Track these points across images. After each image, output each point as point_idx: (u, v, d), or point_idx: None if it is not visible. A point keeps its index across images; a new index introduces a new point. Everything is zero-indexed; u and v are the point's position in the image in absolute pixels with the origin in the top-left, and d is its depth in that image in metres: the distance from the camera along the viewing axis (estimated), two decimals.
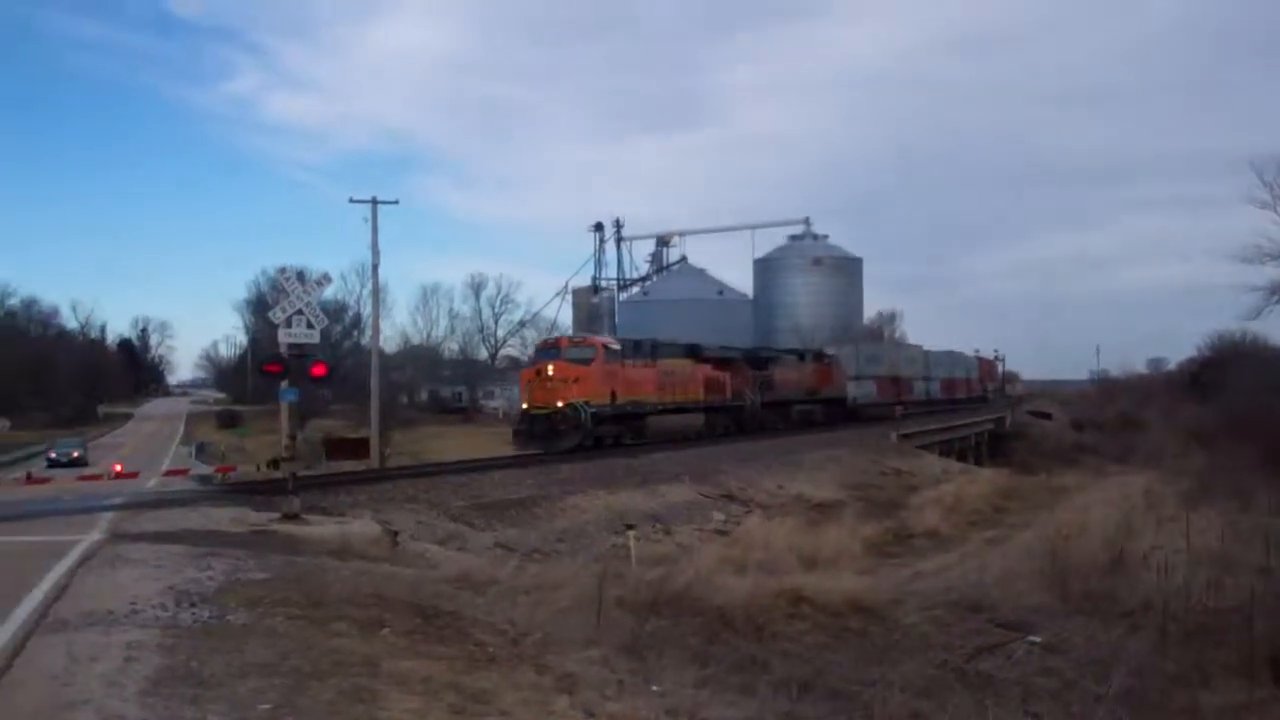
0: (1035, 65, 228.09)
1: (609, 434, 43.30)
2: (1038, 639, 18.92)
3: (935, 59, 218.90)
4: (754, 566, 22.82)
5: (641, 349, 47.77)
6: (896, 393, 78.99)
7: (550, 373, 41.26)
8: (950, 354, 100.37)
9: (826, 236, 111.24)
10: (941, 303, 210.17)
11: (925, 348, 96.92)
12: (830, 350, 74.18)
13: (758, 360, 60.15)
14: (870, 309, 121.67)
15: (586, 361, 41.82)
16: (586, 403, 40.63)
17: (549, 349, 44.82)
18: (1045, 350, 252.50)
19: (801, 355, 68.72)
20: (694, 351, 52.75)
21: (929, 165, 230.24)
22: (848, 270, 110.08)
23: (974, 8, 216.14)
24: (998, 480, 47.17)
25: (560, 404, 40.55)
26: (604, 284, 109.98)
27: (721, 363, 54.15)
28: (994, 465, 62.86)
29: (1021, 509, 38.02)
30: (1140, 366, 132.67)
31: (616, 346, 44.90)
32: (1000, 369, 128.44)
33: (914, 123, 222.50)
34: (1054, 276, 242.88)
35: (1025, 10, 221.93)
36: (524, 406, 42.66)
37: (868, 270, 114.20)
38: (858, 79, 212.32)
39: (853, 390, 72.61)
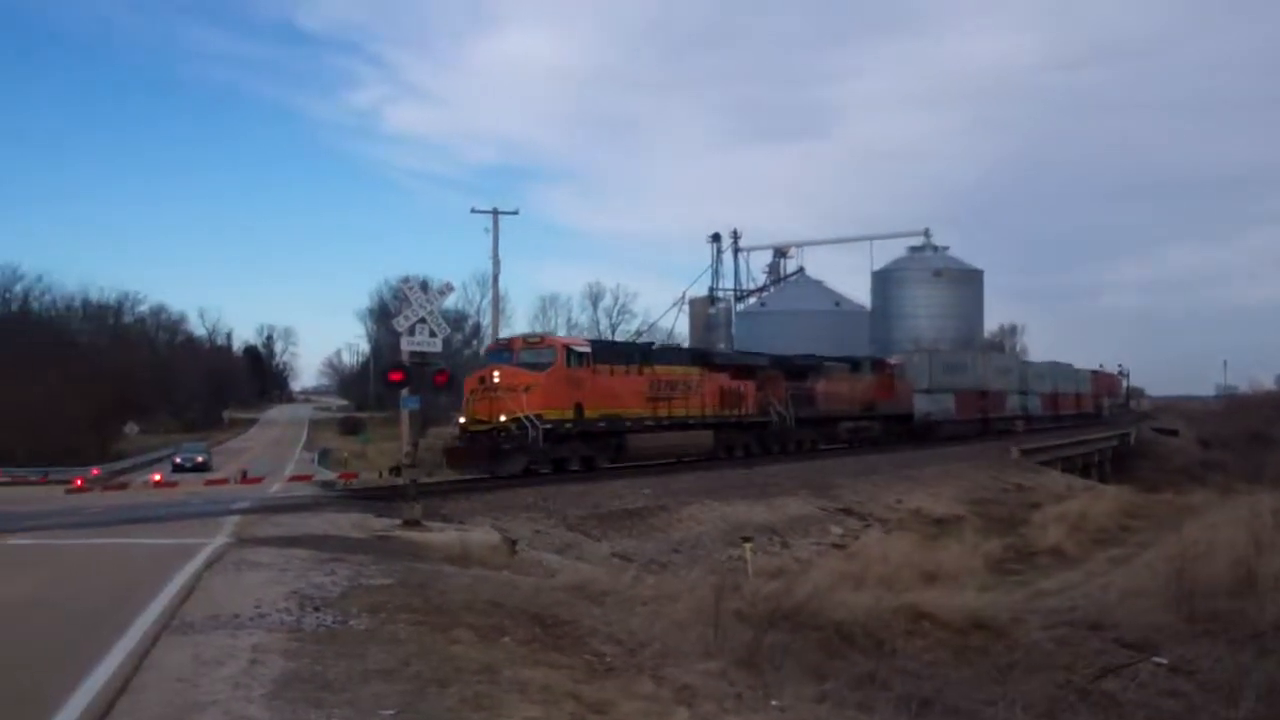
0: (1163, 75, 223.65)
1: (573, 454, 36.37)
2: (1163, 660, 18.53)
3: (1060, 70, 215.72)
4: (873, 581, 22.64)
5: (626, 353, 41.41)
6: (983, 408, 70.74)
7: (496, 380, 34.22)
8: (1056, 366, 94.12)
9: (947, 248, 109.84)
10: (1065, 316, 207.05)
11: (1025, 358, 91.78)
12: (893, 359, 65.17)
13: (795, 370, 51.49)
14: (991, 322, 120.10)
15: (543, 366, 35.06)
16: (539, 416, 33.42)
17: (500, 351, 38.21)
18: (1171, 365, 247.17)
19: (855, 365, 58.78)
20: (703, 358, 46.05)
21: (1053, 176, 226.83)
22: (968, 282, 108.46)
23: (1099, 19, 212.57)
24: (1122, 498, 46.28)
25: (504, 418, 33.54)
26: (721, 294, 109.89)
27: (742, 371, 46.58)
28: (1118, 482, 61.65)
29: (1147, 527, 37.29)
30: (1269, 383, 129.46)
31: (585, 349, 37.76)
32: (1124, 384, 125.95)
33: (1038, 133, 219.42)
34: (1181, 290, 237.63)
35: (1152, 20, 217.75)
36: (461, 421, 35.63)
37: (989, 283, 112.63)
38: (980, 90, 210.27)
39: (925, 405, 63.75)
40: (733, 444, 45.28)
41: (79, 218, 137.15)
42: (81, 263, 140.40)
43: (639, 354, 41.38)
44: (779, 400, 47.78)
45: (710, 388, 42.91)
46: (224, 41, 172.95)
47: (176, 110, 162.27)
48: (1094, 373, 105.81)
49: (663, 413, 39.86)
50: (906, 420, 61.27)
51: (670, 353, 47.57)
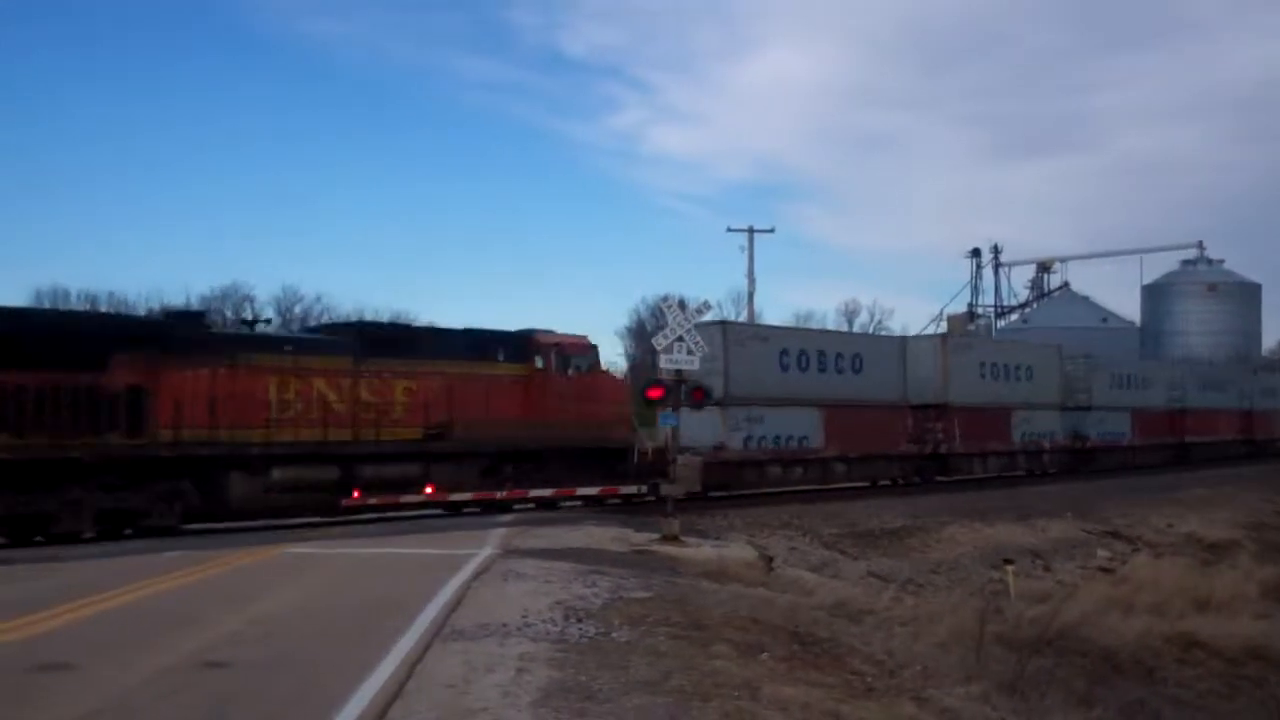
0: None
1: None
2: None
3: None
4: (1142, 607, 21.93)
5: None
6: (918, 435, 41.08)
7: None
8: (1190, 365, 66.17)
9: (1222, 261, 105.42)
10: None
11: (1086, 355, 55.35)
12: (561, 335, 31.27)
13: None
14: (1270, 338, 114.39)
15: None
16: None
17: None
18: None
19: (374, 337, 28.19)
20: None
21: None
22: (1245, 297, 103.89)
23: None
24: None
25: None
26: (981, 311, 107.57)
27: None
28: None
29: None
30: None
31: None
32: None
33: None
34: None
35: None
36: None
37: (1269, 297, 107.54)
38: (1256, 96, 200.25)
39: (725, 431, 34.10)
40: None
41: (355, 239, 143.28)
42: (357, 283, 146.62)
43: None
44: None
45: None
46: (491, 69, 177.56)
47: (443, 136, 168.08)
48: None
49: None
50: (609, 457, 30.59)
51: None
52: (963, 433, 42.50)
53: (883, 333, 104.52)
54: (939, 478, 40.67)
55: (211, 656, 10.38)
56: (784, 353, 36.91)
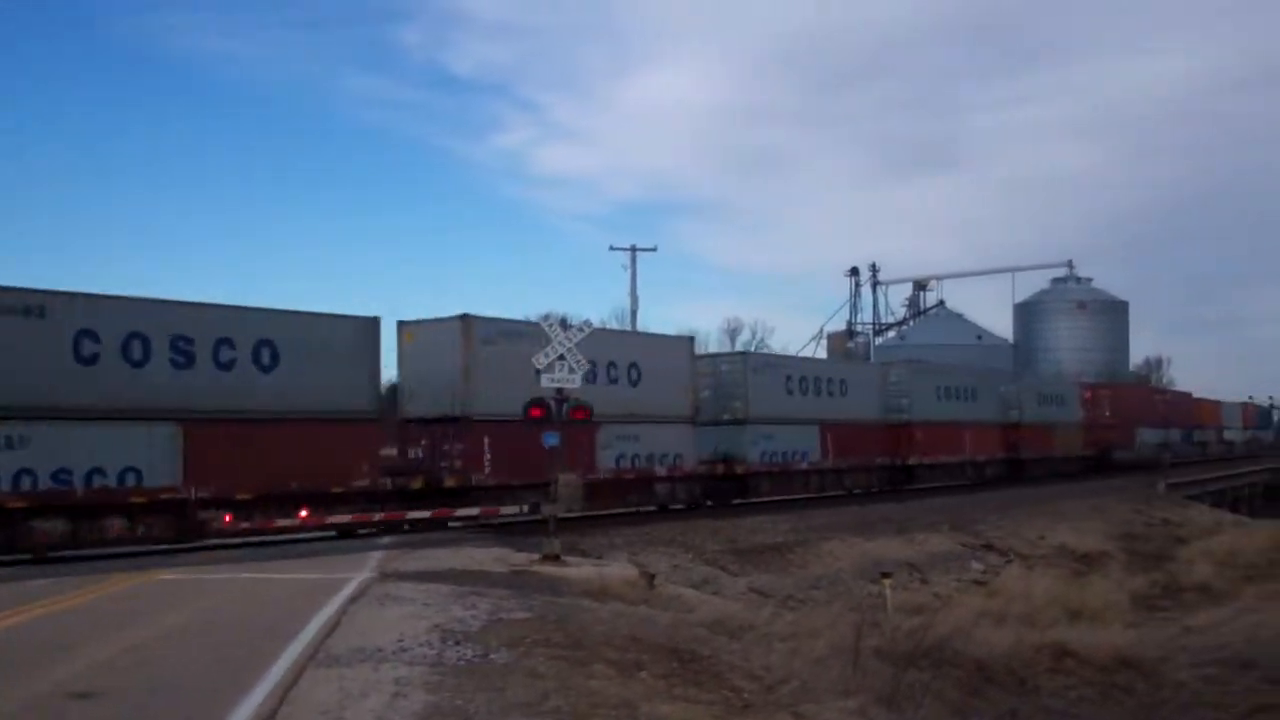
0: None
1: None
2: None
3: (1220, 96, 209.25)
4: (1015, 618, 22.32)
5: None
6: (459, 458, 29.27)
7: None
8: (917, 368, 53.27)
9: (1091, 279, 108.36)
10: (1221, 349, 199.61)
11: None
12: None
13: None
14: (1138, 354, 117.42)
15: None
16: None
17: None
18: None
19: None
20: None
21: (1209, 204, 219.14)
22: (1113, 314, 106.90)
23: (1260, 42, 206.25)
24: (1275, 533, 44.86)
25: None
26: (859, 328, 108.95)
27: None
28: (1269, 517, 59.77)
29: None
30: None
31: None
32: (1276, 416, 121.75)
33: (1191, 161, 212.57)
34: None
35: None
36: None
37: (1136, 314, 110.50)
38: (1135, 117, 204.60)
39: None
40: None
41: (234, 261, 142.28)
42: (235, 298, 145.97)
43: None
44: None
45: None
46: (378, 87, 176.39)
47: (329, 152, 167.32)
48: (1092, 387, 71.10)
49: None
50: None
51: None
52: (497, 457, 29.45)
53: (764, 349, 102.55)
54: (452, 522, 28.06)
55: (82, 686, 10.14)
56: (86, 334, 22.87)
